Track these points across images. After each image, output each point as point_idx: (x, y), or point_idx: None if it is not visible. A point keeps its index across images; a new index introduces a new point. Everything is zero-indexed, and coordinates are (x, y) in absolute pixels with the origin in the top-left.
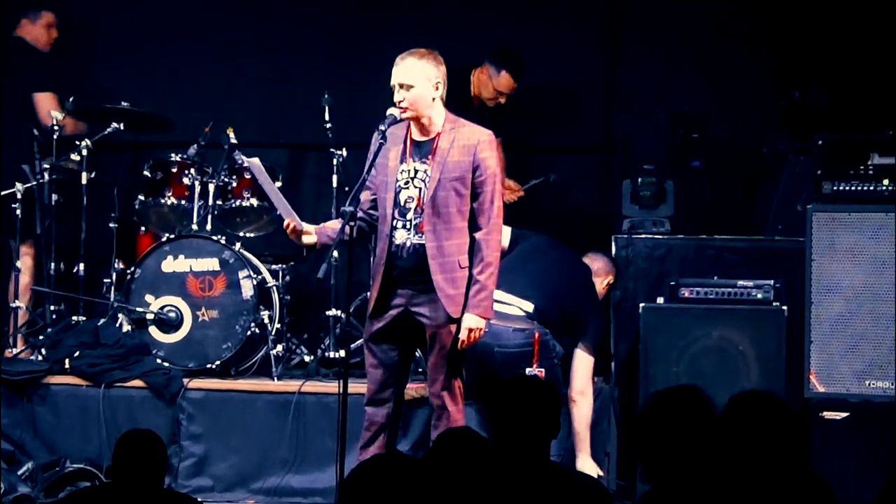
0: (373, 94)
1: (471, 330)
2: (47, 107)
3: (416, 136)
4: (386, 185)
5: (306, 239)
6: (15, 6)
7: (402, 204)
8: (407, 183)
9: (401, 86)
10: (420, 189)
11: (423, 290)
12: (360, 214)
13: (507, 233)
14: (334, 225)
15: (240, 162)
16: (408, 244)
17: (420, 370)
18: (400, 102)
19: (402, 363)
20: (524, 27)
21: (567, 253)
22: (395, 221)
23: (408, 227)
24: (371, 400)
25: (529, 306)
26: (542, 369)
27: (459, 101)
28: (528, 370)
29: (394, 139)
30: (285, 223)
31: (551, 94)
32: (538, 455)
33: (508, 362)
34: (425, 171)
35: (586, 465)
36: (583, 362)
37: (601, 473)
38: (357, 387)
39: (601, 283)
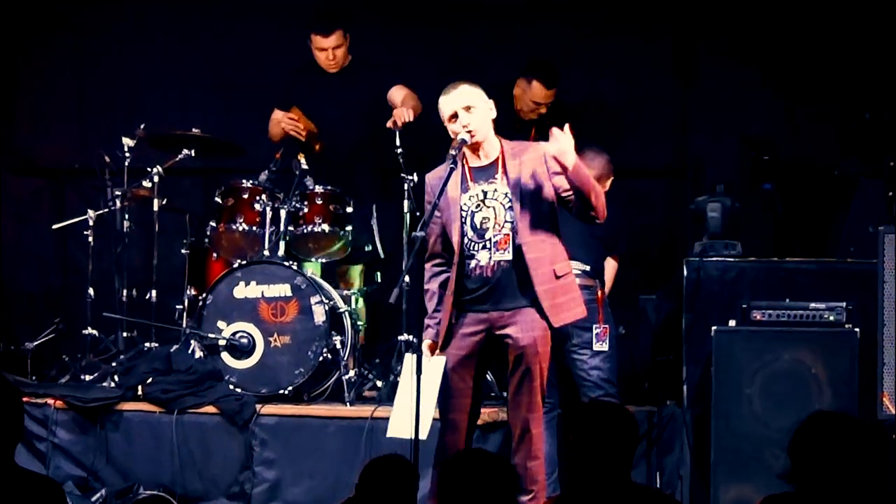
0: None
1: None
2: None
3: (474, 162)
4: (451, 216)
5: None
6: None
7: (478, 227)
8: (479, 206)
9: (466, 109)
10: (494, 208)
11: (509, 310)
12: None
13: None
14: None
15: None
16: (492, 262)
17: (493, 394)
18: (466, 126)
19: (479, 388)
20: (595, 50)
21: None
22: (472, 245)
23: (488, 246)
24: (449, 427)
25: (584, 266)
26: (607, 325)
27: (502, 117)
28: (594, 327)
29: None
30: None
31: (623, 117)
32: (618, 475)
33: (580, 319)
34: (495, 190)
35: None
36: (613, 270)
37: None
38: None
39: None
